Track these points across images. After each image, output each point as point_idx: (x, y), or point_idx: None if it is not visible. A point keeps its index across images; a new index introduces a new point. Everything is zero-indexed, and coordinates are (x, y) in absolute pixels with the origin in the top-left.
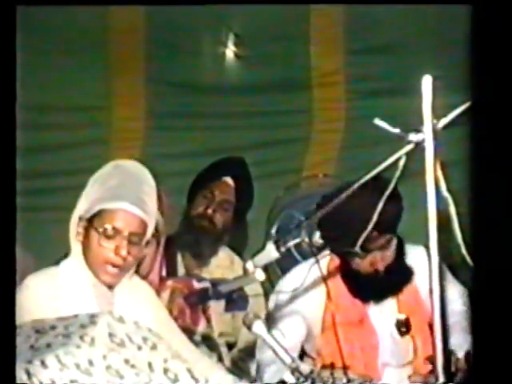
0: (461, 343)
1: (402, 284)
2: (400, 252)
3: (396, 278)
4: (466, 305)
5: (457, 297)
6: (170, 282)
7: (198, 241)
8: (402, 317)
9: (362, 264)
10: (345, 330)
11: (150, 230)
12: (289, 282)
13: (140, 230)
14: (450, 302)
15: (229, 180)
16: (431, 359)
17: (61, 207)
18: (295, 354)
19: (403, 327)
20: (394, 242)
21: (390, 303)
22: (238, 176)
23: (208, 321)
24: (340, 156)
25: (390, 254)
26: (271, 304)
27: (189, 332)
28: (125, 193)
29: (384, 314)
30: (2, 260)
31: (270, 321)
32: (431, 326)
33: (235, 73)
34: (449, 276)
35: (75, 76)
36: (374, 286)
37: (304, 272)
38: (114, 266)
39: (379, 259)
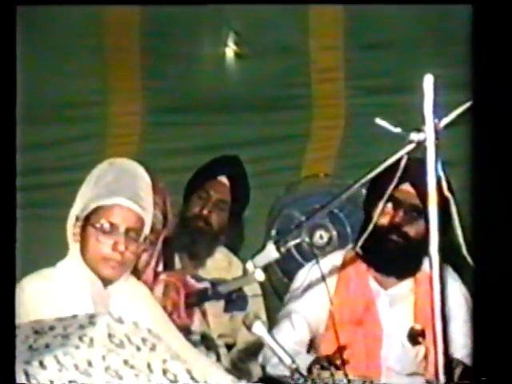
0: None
1: (419, 257)
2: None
3: (413, 247)
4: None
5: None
6: (163, 276)
7: (194, 242)
8: (418, 327)
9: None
10: (348, 329)
11: (148, 226)
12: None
13: (137, 226)
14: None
15: (224, 179)
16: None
17: (56, 203)
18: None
19: (417, 337)
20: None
21: (406, 308)
22: (234, 175)
23: (203, 316)
24: (339, 153)
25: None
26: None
27: (184, 328)
28: (120, 188)
29: (397, 318)
30: (2, 259)
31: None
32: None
33: (234, 69)
34: (452, 280)
35: (72, 71)
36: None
37: (307, 271)
38: (113, 261)
39: (390, 210)
